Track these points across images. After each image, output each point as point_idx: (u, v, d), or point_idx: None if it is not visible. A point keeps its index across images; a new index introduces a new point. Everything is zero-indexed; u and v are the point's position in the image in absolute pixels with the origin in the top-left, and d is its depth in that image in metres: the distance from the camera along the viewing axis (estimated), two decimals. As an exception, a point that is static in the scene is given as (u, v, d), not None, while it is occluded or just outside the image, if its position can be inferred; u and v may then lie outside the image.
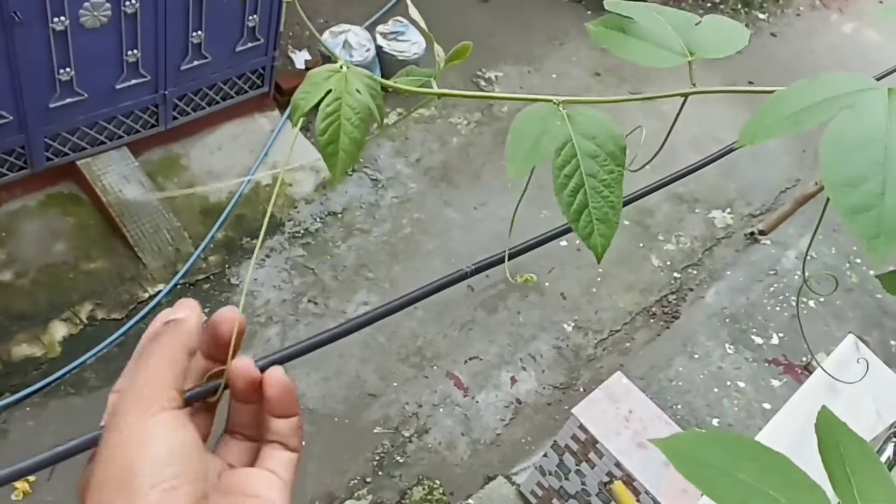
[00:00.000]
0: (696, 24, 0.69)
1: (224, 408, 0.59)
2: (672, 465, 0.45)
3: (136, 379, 0.50)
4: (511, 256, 2.44)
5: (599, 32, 0.70)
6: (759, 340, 4.76)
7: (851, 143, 0.50)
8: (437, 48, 0.73)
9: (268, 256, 4.44)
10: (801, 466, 0.49)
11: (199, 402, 0.55)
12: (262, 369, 0.56)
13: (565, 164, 0.61)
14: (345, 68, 0.62)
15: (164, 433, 0.48)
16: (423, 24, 0.80)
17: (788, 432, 2.36)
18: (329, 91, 0.61)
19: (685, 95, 0.68)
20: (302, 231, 4.61)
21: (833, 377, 2.47)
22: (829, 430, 0.48)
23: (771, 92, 0.56)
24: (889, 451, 2.21)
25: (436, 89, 0.71)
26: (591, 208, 0.61)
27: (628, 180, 0.90)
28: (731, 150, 2.46)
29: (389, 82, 0.70)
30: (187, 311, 0.54)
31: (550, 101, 0.64)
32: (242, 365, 0.55)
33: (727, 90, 0.73)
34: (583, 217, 0.61)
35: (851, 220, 0.49)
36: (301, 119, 0.61)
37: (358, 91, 0.62)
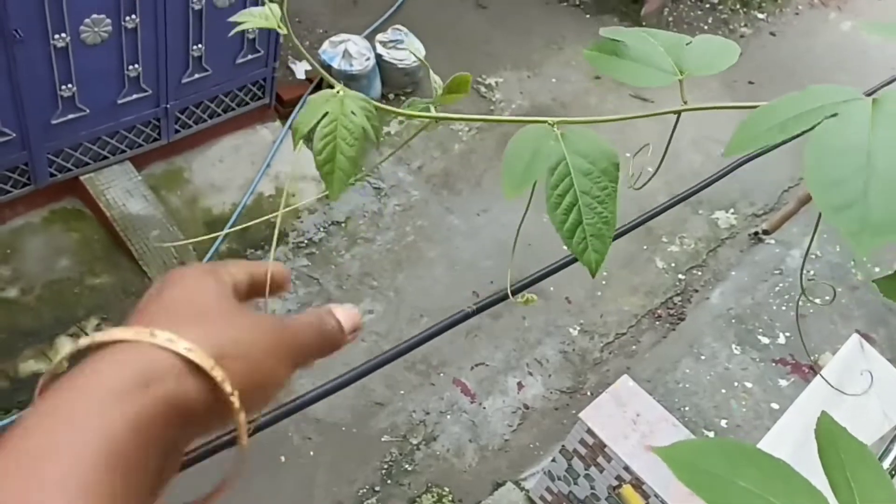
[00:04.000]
0: (687, 45, 0.71)
1: None
2: (673, 474, 0.45)
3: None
4: (520, 288, 2.42)
5: (593, 56, 0.71)
6: (765, 340, 4.75)
7: (835, 149, 0.51)
8: (434, 76, 0.75)
9: (272, 267, 4.44)
10: (807, 468, 0.49)
11: None
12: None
13: (558, 182, 0.63)
14: (341, 92, 0.65)
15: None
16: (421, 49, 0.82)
17: (795, 434, 2.35)
18: (326, 113, 0.64)
19: (678, 112, 0.69)
20: (306, 241, 4.62)
21: (834, 387, 2.46)
22: (828, 435, 0.48)
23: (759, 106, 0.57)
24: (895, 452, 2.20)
25: (435, 113, 0.73)
26: (584, 225, 0.62)
27: (637, 192, 0.91)
28: (750, 159, 2.43)
29: (387, 107, 0.73)
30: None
31: (545, 122, 0.65)
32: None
33: (718, 107, 0.74)
34: (576, 234, 0.62)
35: (835, 218, 0.49)
36: (301, 141, 0.64)
37: (353, 113, 0.64)
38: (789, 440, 2.28)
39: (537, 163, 0.63)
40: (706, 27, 6.96)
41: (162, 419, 0.44)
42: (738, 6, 7.34)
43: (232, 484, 0.52)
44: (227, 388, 0.46)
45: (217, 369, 0.46)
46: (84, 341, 0.48)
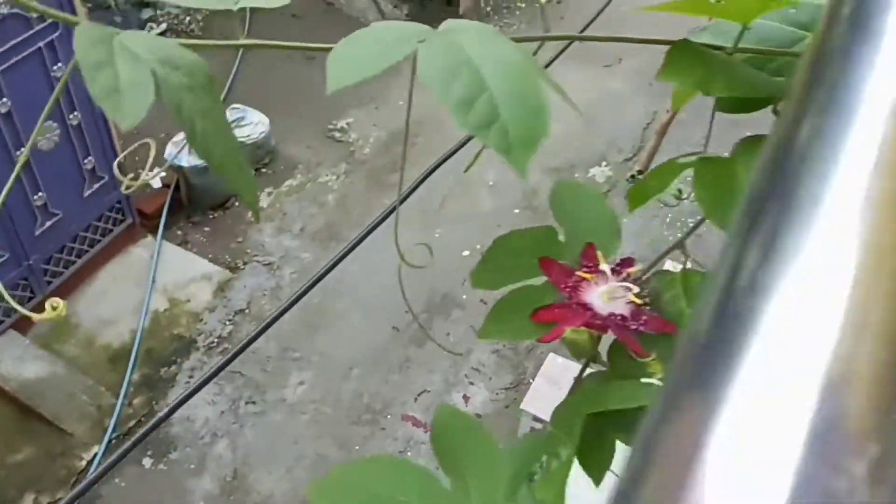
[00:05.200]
0: None
1: None
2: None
3: None
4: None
5: None
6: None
7: (445, 70, 0.48)
8: None
9: (191, 377, 4.39)
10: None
11: None
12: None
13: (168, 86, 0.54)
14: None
15: None
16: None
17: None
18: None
19: (240, 47, 0.66)
20: (216, 340, 4.58)
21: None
22: (444, 420, 0.54)
23: (328, 49, 0.52)
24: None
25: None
26: (199, 131, 0.55)
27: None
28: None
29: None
30: None
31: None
32: None
33: (281, 46, 0.68)
34: (197, 133, 0.55)
35: (482, 136, 0.47)
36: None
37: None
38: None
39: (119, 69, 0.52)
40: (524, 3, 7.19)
41: None
42: (546, -24, 7.61)
43: None
44: None
45: None
46: None
